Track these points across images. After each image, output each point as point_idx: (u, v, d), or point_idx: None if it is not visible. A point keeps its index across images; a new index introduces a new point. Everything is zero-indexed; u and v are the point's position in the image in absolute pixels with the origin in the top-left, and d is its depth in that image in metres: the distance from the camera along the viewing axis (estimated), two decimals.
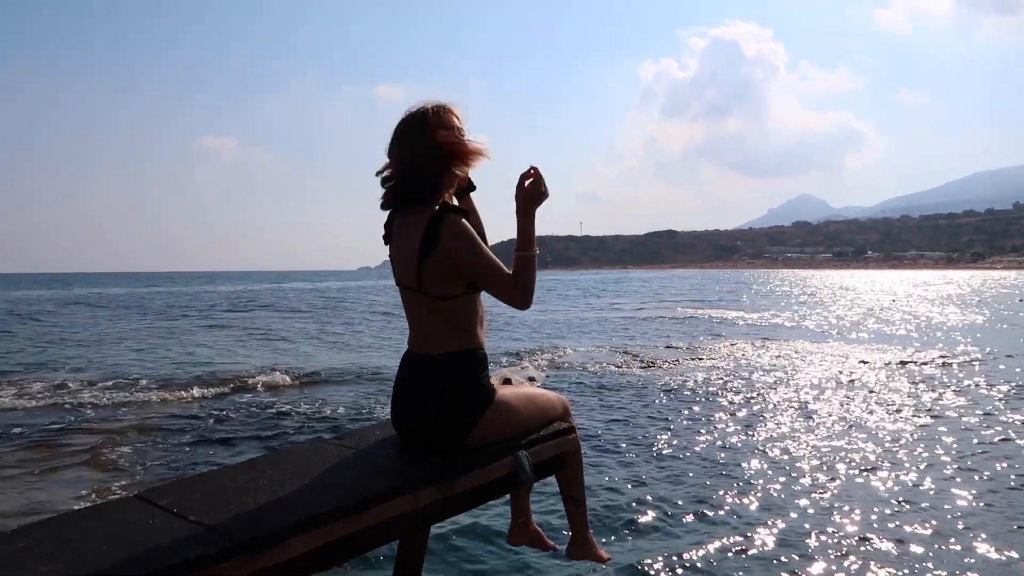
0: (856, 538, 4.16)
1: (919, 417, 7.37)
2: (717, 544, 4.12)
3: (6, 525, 4.23)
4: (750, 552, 3.99)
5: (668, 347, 14.82)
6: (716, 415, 7.70)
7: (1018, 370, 10.71)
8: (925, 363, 11.58)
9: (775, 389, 9.30)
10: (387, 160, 2.19)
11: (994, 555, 3.89)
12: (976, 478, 5.27)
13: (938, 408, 7.86)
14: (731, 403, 8.41)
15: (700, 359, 12.70)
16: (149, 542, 1.55)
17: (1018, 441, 6.37)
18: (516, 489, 2.31)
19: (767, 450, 6.16)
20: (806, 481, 5.26)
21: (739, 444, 6.43)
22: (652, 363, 12.22)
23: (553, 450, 2.28)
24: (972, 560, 3.84)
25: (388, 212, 2.22)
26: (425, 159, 2.12)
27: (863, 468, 5.55)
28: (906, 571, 3.71)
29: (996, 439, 6.44)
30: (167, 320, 24.63)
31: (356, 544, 1.80)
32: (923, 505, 4.71)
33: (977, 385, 9.34)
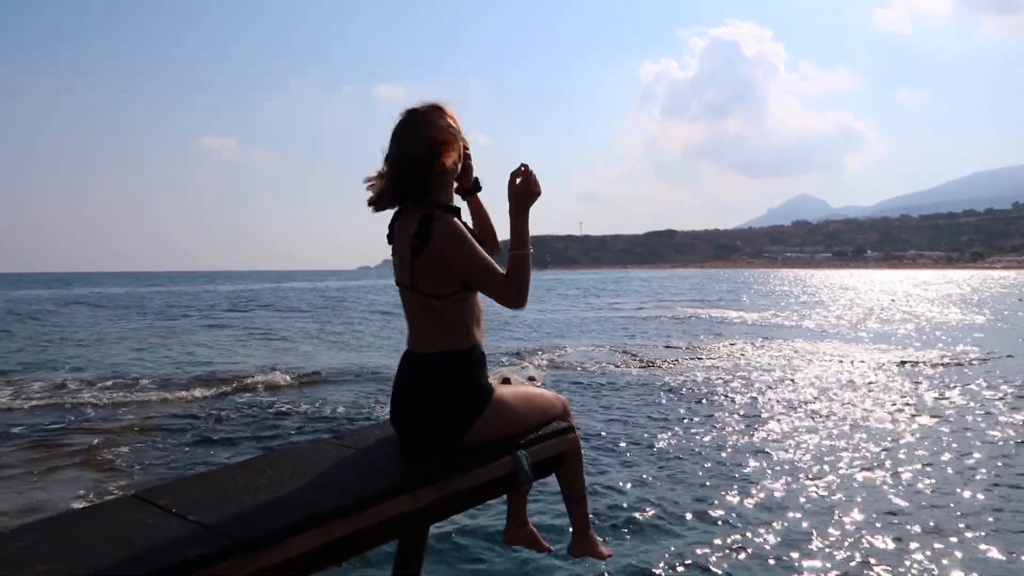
0: (856, 538, 4.16)
1: (920, 417, 7.38)
2: (718, 543, 4.12)
3: (6, 524, 4.23)
4: (751, 551, 3.99)
5: (668, 347, 14.82)
6: (716, 415, 7.70)
7: (1019, 370, 10.71)
8: (925, 363, 11.58)
9: (775, 389, 9.31)
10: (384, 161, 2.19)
11: (996, 555, 3.89)
12: (977, 478, 5.27)
13: (939, 408, 7.86)
14: (731, 403, 8.41)
15: (700, 359, 12.70)
16: (148, 542, 1.55)
17: (1020, 441, 6.37)
18: (516, 489, 2.30)
19: (767, 449, 6.17)
20: (807, 481, 5.26)
21: (739, 443, 6.43)
22: (652, 363, 12.23)
23: (552, 449, 2.28)
24: (974, 560, 3.84)
25: (393, 212, 2.22)
26: (416, 158, 2.13)
27: (864, 468, 5.56)
28: (908, 571, 3.70)
29: (998, 439, 6.44)
30: (167, 320, 24.64)
31: (355, 544, 1.79)
32: (924, 505, 4.71)
33: (978, 385, 9.35)
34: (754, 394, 8.91)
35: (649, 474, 5.49)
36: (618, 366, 11.85)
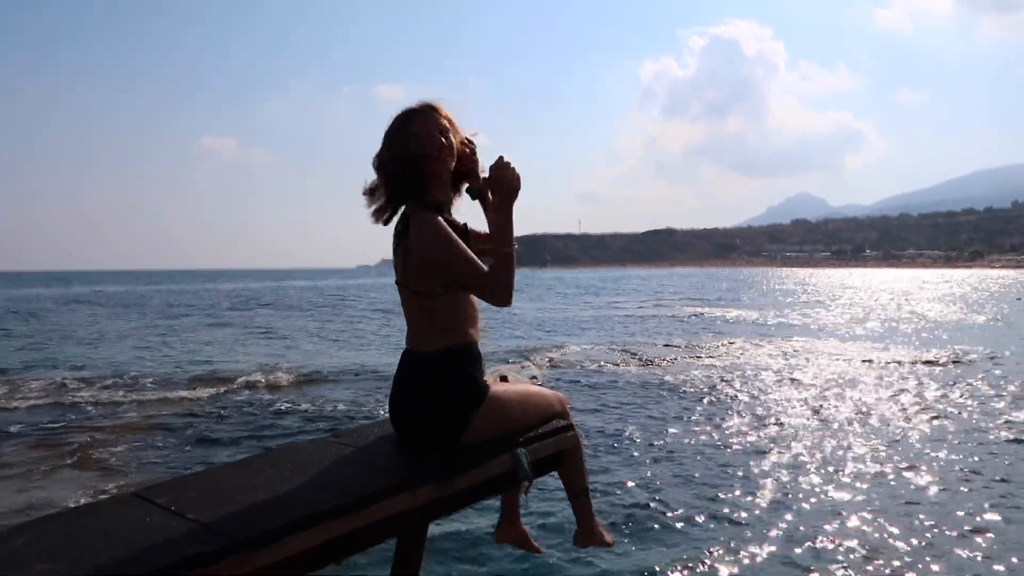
0: (860, 537, 4.15)
1: (923, 416, 7.37)
2: (720, 543, 4.12)
3: (5, 523, 4.23)
4: (753, 551, 3.99)
5: (668, 345, 14.82)
6: (718, 413, 7.70)
7: (1020, 370, 10.71)
8: (926, 362, 11.58)
9: (776, 387, 9.31)
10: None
11: (1001, 555, 3.88)
12: (983, 477, 5.25)
13: (942, 407, 7.85)
14: (732, 401, 8.41)
15: (700, 357, 12.71)
16: (147, 540, 1.54)
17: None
18: (515, 487, 2.31)
19: (770, 448, 6.17)
20: (809, 480, 5.26)
21: (741, 442, 6.43)
22: (652, 361, 12.23)
23: (552, 448, 2.27)
24: (980, 559, 3.83)
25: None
26: (408, 158, 2.13)
27: (867, 467, 5.55)
28: (914, 570, 3.70)
29: (1001, 439, 6.43)
30: (167, 318, 24.64)
31: (354, 542, 1.79)
32: (929, 504, 4.70)
33: (980, 384, 9.34)
34: (755, 393, 8.92)
35: (650, 473, 5.49)
36: (618, 364, 11.85)
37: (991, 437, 6.49)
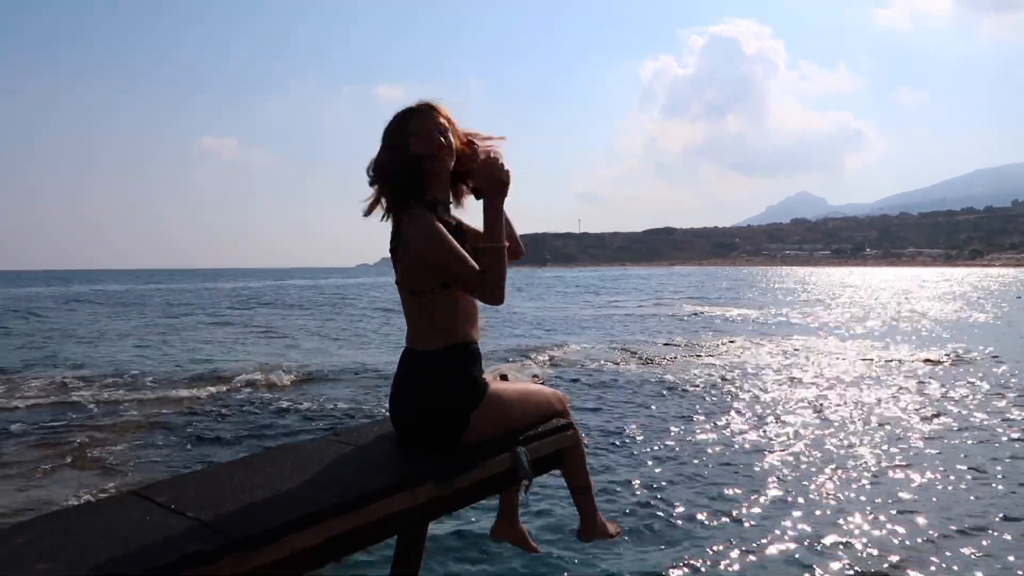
0: (865, 537, 4.14)
1: (926, 415, 7.35)
2: (721, 541, 4.12)
3: (5, 522, 4.23)
4: (754, 550, 3.98)
5: (668, 344, 14.82)
6: (718, 412, 7.70)
7: (1021, 369, 10.70)
8: (928, 361, 11.58)
9: (778, 386, 9.31)
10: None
11: (1007, 554, 3.87)
12: (987, 477, 5.24)
13: (945, 406, 7.84)
14: (734, 400, 8.41)
15: (700, 356, 12.71)
16: (147, 539, 1.54)
17: None
18: (515, 485, 2.31)
19: (770, 447, 6.17)
20: (811, 479, 5.25)
21: (742, 441, 6.43)
22: (652, 360, 12.23)
23: (551, 446, 2.28)
24: (985, 558, 3.82)
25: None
26: (405, 157, 2.13)
27: (870, 466, 5.54)
28: (919, 570, 3.69)
29: (1004, 438, 6.42)
30: (167, 317, 24.64)
31: (354, 540, 1.80)
32: (934, 503, 4.69)
33: (982, 383, 9.33)
34: (756, 391, 8.92)
35: (651, 471, 5.49)
36: (618, 363, 11.85)
37: (994, 436, 6.49)
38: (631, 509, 4.63)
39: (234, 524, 1.62)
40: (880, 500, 4.75)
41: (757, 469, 5.53)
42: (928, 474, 5.31)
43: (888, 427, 6.84)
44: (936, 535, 4.15)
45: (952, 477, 5.24)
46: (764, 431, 6.78)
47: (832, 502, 4.74)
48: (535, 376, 9.97)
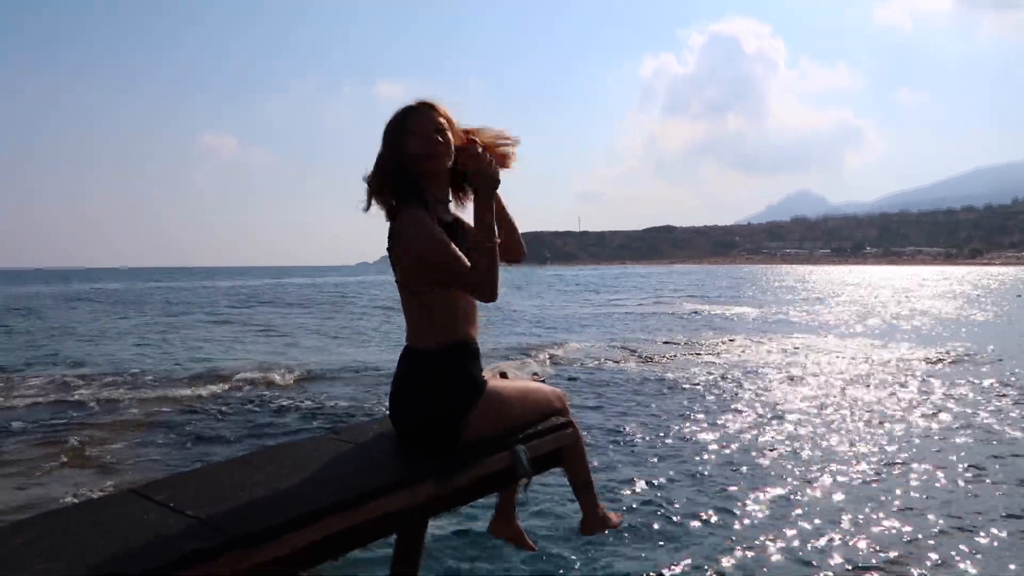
0: (869, 538, 4.13)
1: (929, 414, 7.34)
2: (723, 540, 4.12)
3: (4, 520, 4.23)
4: (756, 550, 3.98)
5: (668, 342, 14.82)
6: (718, 411, 7.70)
7: (1021, 368, 10.70)
8: (930, 360, 11.58)
9: (778, 385, 9.31)
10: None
11: (1012, 554, 3.86)
12: (991, 476, 5.22)
13: (945, 405, 7.83)
14: (733, 399, 8.41)
15: (700, 355, 12.71)
16: (146, 537, 1.55)
17: None
18: (514, 484, 2.31)
19: (771, 447, 6.16)
20: (813, 478, 5.24)
21: (742, 440, 6.42)
22: (652, 358, 12.24)
23: (551, 445, 2.28)
24: (990, 559, 3.82)
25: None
26: (403, 156, 2.14)
27: (873, 465, 5.52)
28: (919, 569, 3.69)
29: (1006, 437, 6.40)
30: (167, 316, 24.64)
31: (353, 539, 1.80)
32: (938, 503, 4.67)
33: (984, 382, 9.31)
34: (757, 390, 8.92)
35: (652, 470, 5.49)
36: (619, 361, 11.85)
37: (995, 434, 6.48)
38: (631, 507, 4.63)
39: (234, 522, 1.62)
40: (881, 498, 4.75)
41: (757, 467, 5.53)
42: (929, 472, 5.31)
43: (889, 425, 6.84)
44: (937, 533, 4.15)
45: (953, 476, 5.24)
46: (764, 429, 6.78)
47: (833, 500, 4.74)
48: (535, 374, 9.95)
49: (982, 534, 4.13)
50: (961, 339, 14.77)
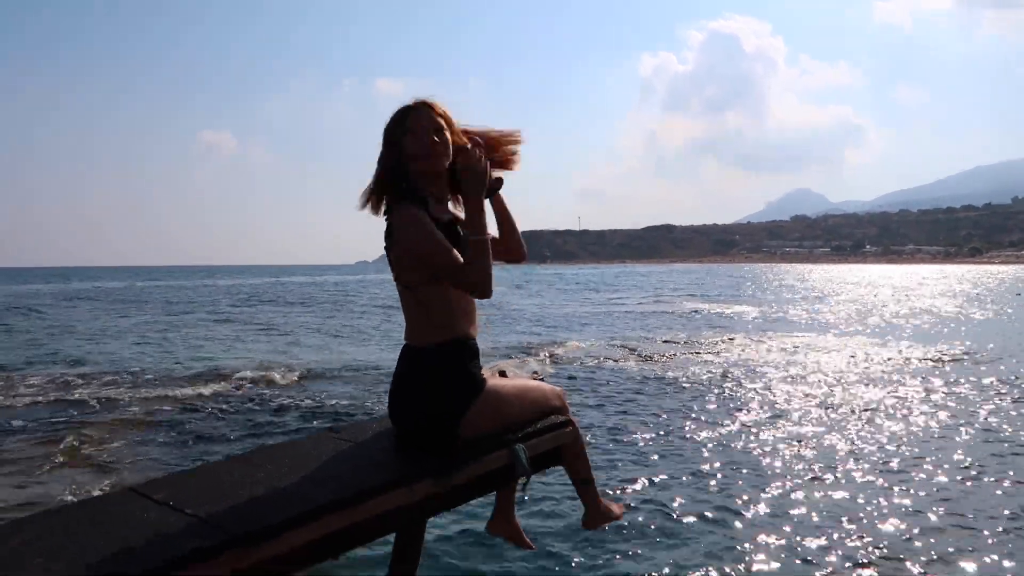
0: (874, 538, 4.12)
1: (928, 414, 7.32)
2: (724, 540, 4.12)
3: (3, 519, 4.24)
4: (757, 550, 3.97)
5: (668, 341, 14.83)
6: (718, 410, 7.71)
7: (1022, 367, 10.70)
8: (929, 359, 11.58)
9: (778, 384, 9.31)
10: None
11: (1012, 554, 3.86)
12: (995, 476, 5.21)
13: (946, 404, 7.82)
14: (733, 398, 8.42)
15: (700, 353, 12.71)
16: (145, 536, 1.55)
17: None
18: (513, 482, 2.32)
19: (772, 446, 6.16)
20: (815, 477, 5.23)
21: (743, 440, 6.43)
22: (652, 357, 12.24)
23: (550, 443, 2.28)
24: (995, 559, 3.82)
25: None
26: (400, 155, 2.16)
27: (876, 465, 5.50)
28: (922, 569, 3.68)
29: (1008, 436, 6.39)
30: (167, 314, 24.64)
31: (352, 537, 1.80)
32: (939, 501, 4.66)
33: (986, 381, 9.30)
34: (757, 389, 8.92)
35: (652, 469, 5.50)
36: (619, 360, 11.86)
37: (997, 433, 6.48)
38: (631, 505, 4.62)
39: (233, 521, 1.62)
40: (882, 497, 4.75)
41: (758, 465, 5.53)
42: (930, 471, 5.30)
43: (889, 424, 6.84)
44: (939, 532, 4.14)
45: (954, 474, 5.23)
46: (764, 428, 6.78)
47: (834, 499, 4.74)
48: (534, 373, 9.97)
49: (984, 533, 4.12)
50: (961, 338, 14.77)
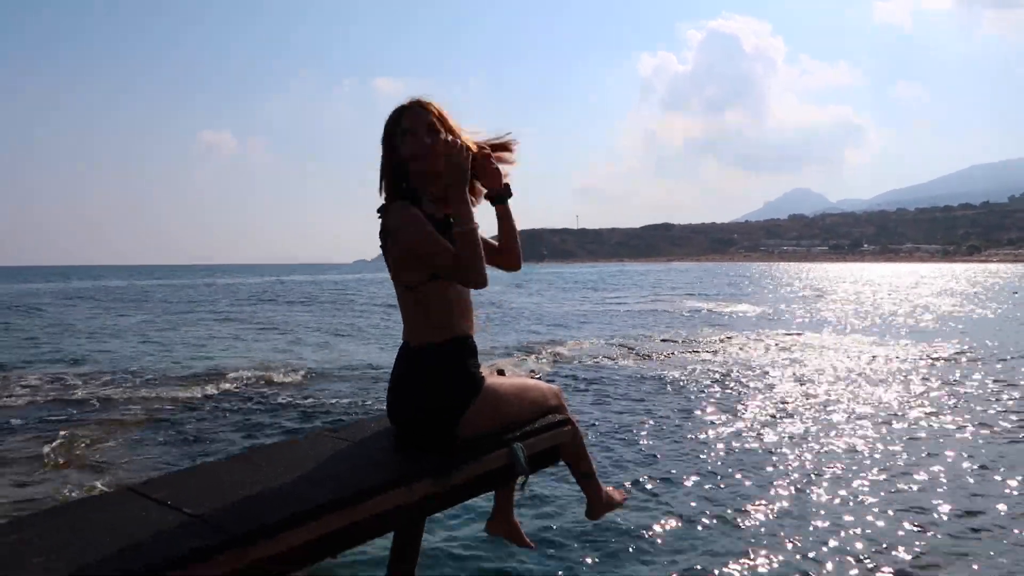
0: (868, 536, 4.12)
1: (930, 412, 7.30)
2: (721, 539, 4.12)
3: (3, 517, 4.24)
4: (758, 550, 3.97)
5: (666, 340, 14.84)
6: (717, 409, 7.71)
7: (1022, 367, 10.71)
8: (929, 357, 11.59)
9: (777, 383, 9.32)
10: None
11: (1016, 553, 3.85)
12: (994, 474, 5.20)
13: (948, 402, 7.81)
14: (732, 398, 8.42)
15: (698, 352, 12.72)
16: (144, 535, 1.55)
17: None
18: (511, 481, 2.32)
19: (772, 445, 6.16)
20: (815, 476, 5.23)
21: (742, 438, 6.43)
22: (650, 356, 12.24)
23: (548, 442, 2.29)
24: (991, 557, 3.81)
25: None
26: (394, 155, 2.18)
27: (874, 465, 5.50)
28: (923, 569, 3.68)
29: (1010, 434, 6.37)
30: (167, 313, 24.62)
31: (351, 536, 1.81)
32: (941, 501, 4.66)
33: (987, 380, 9.28)
34: (757, 388, 8.93)
35: (651, 468, 5.50)
36: (617, 359, 11.86)
37: (999, 432, 6.48)
38: (631, 505, 4.63)
39: (233, 520, 1.62)
40: (885, 497, 4.74)
41: (758, 465, 5.53)
42: (933, 470, 5.29)
43: (891, 423, 6.84)
44: (944, 532, 4.13)
45: (958, 474, 5.22)
46: (766, 427, 6.78)
47: (836, 498, 4.73)
48: (532, 371, 9.97)
49: (989, 533, 4.12)
50: (960, 336, 14.78)
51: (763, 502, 4.67)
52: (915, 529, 4.18)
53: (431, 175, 2.16)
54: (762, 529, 4.23)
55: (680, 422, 7.05)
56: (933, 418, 7.03)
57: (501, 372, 2.42)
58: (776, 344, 13.74)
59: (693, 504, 4.66)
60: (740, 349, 13.04)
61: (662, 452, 5.93)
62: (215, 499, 1.74)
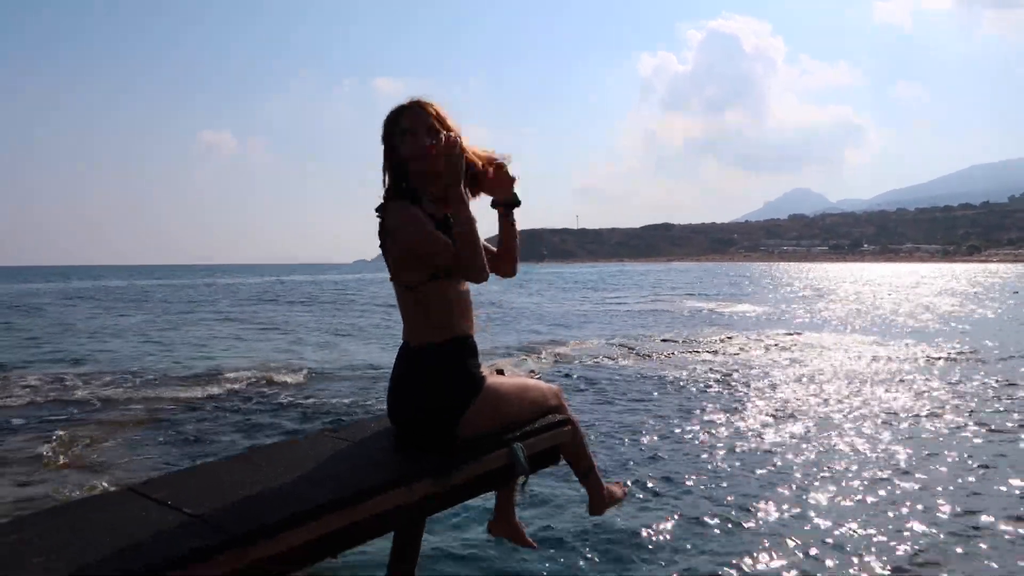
0: (870, 537, 4.11)
1: (931, 412, 7.29)
2: (721, 539, 4.12)
3: (3, 517, 4.24)
4: (755, 548, 3.97)
5: (666, 340, 14.84)
6: (717, 409, 7.71)
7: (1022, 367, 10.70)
8: (929, 357, 11.58)
9: (777, 383, 9.32)
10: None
11: (1018, 553, 3.85)
12: (996, 473, 5.19)
13: (949, 402, 7.80)
14: (732, 398, 8.42)
15: (698, 352, 12.71)
16: (144, 535, 1.55)
17: None
18: (511, 482, 2.32)
19: (773, 445, 6.15)
20: (816, 476, 5.23)
21: (742, 439, 6.42)
22: (650, 356, 12.24)
23: (548, 442, 2.29)
24: (994, 556, 3.81)
25: None
26: (393, 154, 2.18)
27: (875, 465, 5.49)
28: (924, 569, 3.67)
29: (1012, 434, 6.37)
30: (168, 314, 24.62)
31: (351, 536, 1.81)
32: (942, 501, 4.65)
33: (988, 379, 9.27)
34: (757, 388, 8.93)
35: (651, 468, 5.50)
36: (617, 359, 11.86)
37: (1002, 432, 6.46)
38: (632, 505, 4.63)
39: (233, 520, 1.62)
40: (886, 496, 4.74)
41: (759, 465, 5.52)
42: (935, 470, 5.29)
43: (893, 423, 6.83)
44: (947, 532, 4.12)
45: (961, 473, 5.21)
46: (767, 427, 6.78)
47: (838, 498, 4.73)
48: (532, 371, 9.97)
49: (988, 532, 4.11)
50: (961, 336, 14.77)
51: (764, 501, 4.67)
52: (915, 529, 4.18)
53: (431, 175, 2.16)
54: (763, 528, 4.23)
55: (681, 422, 7.05)
56: (933, 418, 7.03)
57: (501, 372, 2.42)
58: (776, 344, 13.73)
59: (694, 504, 4.66)
60: (740, 349, 13.04)
61: (663, 452, 5.93)
62: (215, 499, 1.74)
